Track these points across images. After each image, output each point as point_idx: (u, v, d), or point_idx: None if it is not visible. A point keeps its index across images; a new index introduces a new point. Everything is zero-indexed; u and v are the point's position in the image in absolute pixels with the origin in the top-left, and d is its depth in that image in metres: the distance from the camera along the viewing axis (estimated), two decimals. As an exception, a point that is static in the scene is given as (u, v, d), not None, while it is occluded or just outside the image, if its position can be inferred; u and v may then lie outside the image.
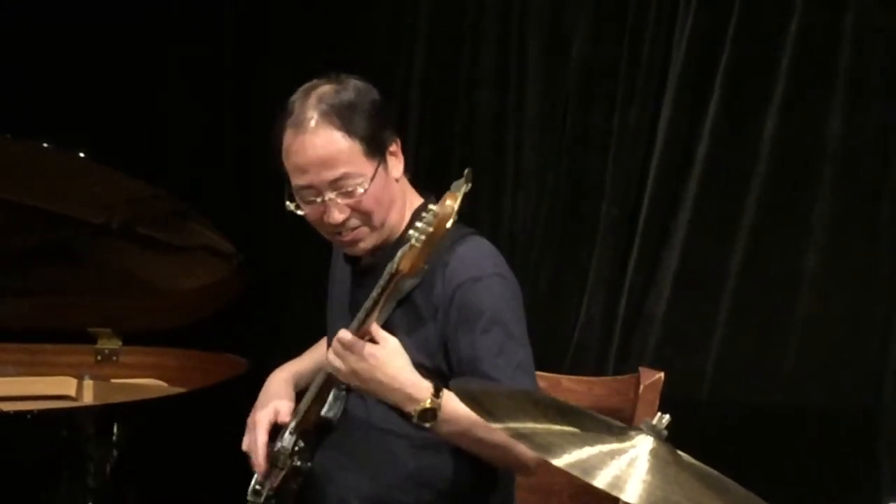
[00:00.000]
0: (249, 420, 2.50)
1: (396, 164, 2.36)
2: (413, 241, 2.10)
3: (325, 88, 2.32)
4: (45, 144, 3.00)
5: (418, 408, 2.21)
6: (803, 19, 2.99)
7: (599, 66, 3.30)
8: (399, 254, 2.15)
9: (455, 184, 2.11)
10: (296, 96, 2.33)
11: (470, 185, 2.10)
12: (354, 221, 2.31)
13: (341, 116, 2.27)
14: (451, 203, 2.08)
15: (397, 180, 2.37)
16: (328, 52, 3.70)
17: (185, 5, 3.92)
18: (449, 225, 2.08)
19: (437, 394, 2.21)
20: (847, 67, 2.95)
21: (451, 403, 2.20)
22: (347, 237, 2.34)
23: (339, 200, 2.28)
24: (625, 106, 3.22)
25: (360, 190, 2.28)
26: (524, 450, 2.21)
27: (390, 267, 2.17)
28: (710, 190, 3.11)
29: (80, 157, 3.00)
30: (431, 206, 2.09)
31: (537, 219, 3.39)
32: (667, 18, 3.17)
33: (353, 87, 2.33)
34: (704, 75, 3.11)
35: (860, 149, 2.96)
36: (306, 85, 2.35)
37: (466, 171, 2.11)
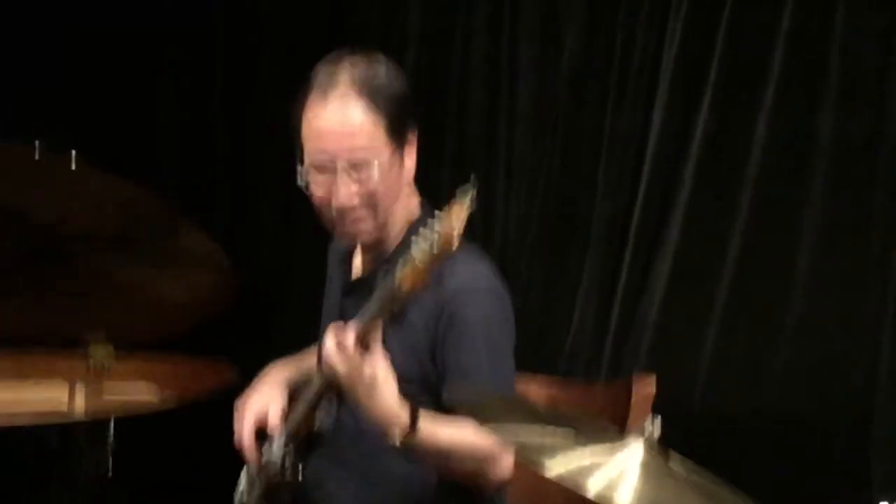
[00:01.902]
0: (240, 403, 2.47)
1: (410, 157, 2.34)
2: (416, 262, 2.02)
3: (358, 60, 2.30)
4: (36, 147, 2.99)
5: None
6: (794, 19, 2.98)
7: (591, 65, 3.29)
8: (399, 271, 2.06)
9: (459, 197, 2.01)
10: (324, 64, 2.30)
11: (475, 198, 2.01)
12: (360, 210, 2.28)
13: (371, 89, 2.25)
14: (457, 223, 1.99)
15: (407, 178, 2.34)
16: (319, 51, 3.68)
17: (176, 5, 3.91)
18: (454, 248, 2.00)
19: (412, 426, 2.16)
20: (838, 67, 2.94)
21: (423, 434, 2.17)
22: (349, 224, 2.31)
23: (350, 176, 2.24)
24: (617, 106, 3.22)
25: (374, 170, 2.24)
26: (496, 471, 2.23)
27: (391, 283, 2.08)
28: (703, 191, 3.10)
29: (71, 159, 2.99)
30: (437, 230, 2.00)
31: (529, 220, 3.38)
32: (658, 18, 3.16)
33: (384, 65, 2.32)
34: (696, 75, 3.10)
35: (852, 149, 2.95)
36: (335, 54, 2.32)
37: (472, 182, 2.02)
